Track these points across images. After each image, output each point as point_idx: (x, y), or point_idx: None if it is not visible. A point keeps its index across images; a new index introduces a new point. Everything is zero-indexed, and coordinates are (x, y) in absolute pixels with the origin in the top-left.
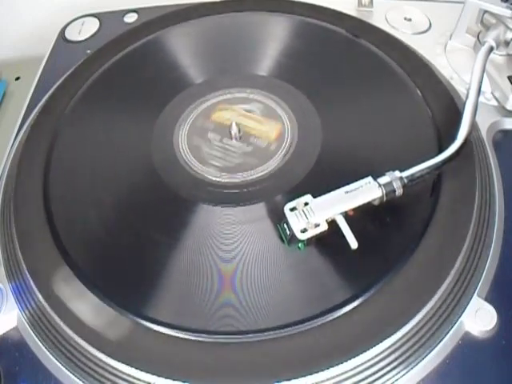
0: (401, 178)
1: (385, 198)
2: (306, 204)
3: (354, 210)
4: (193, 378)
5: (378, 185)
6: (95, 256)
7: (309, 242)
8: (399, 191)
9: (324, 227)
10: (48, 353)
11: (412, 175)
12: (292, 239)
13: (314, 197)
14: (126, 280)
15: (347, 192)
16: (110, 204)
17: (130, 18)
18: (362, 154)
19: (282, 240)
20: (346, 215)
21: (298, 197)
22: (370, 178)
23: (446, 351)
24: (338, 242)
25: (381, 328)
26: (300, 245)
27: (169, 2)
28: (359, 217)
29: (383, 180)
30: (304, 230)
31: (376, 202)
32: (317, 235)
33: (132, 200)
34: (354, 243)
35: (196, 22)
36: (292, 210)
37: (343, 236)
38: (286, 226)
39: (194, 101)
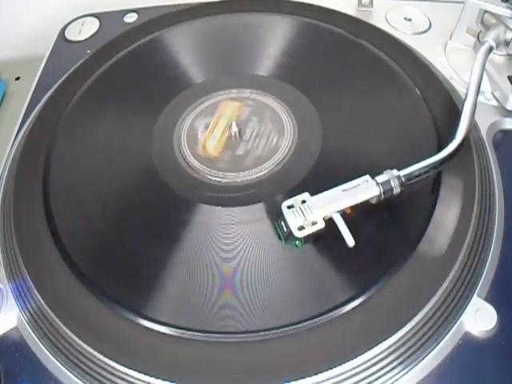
0: (398, 177)
1: (382, 197)
2: (304, 202)
3: (352, 208)
4: (193, 379)
5: (375, 183)
6: (95, 256)
7: (306, 239)
8: (397, 190)
9: (321, 225)
10: (48, 353)
11: (410, 174)
12: (289, 236)
13: (313, 195)
14: (126, 280)
15: (344, 190)
16: (110, 204)
17: (130, 18)
18: (362, 154)
19: (279, 237)
20: (343, 213)
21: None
22: (367, 177)
23: (446, 351)
24: (338, 243)
25: (381, 328)
26: (297, 242)
27: (169, 2)
28: (359, 216)
29: (381, 178)
30: (301, 228)
31: (374, 201)
32: (314, 233)
33: (132, 200)
34: (350, 241)
35: (196, 22)
36: (289, 207)
37: (341, 234)
38: (283, 223)
39: (194, 101)
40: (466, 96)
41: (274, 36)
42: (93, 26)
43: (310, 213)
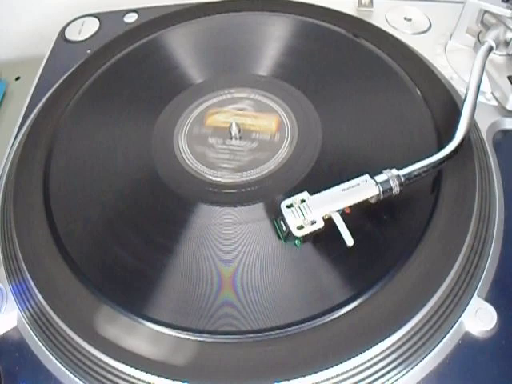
0: (398, 176)
1: (381, 196)
2: (303, 201)
3: (351, 207)
4: (192, 378)
5: (374, 183)
6: (95, 256)
7: (305, 238)
8: (396, 189)
9: (320, 224)
10: (48, 353)
11: (409, 173)
12: (288, 236)
13: (312, 195)
14: (126, 280)
15: (344, 189)
16: (110, 204)
17: (130, 18)
18: (362, 154)
19: (279, 237)
20: (342, 213)
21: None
22: (367, 176)
23: (446, 351)
24: (338, 243)
25: (380, 328)
26: (296, 242)
27: (169, 2)
28: (358, 216)
29: (380, 178)
30: (300, 227)
31: (373, 200)
32: (313, 232)
33: (132, 200)
34: (349, 240)
35: (196, 22)
36: (289, 206)
37: (340, 234)
38: (282, 222)
39: (193, 101)
40: (466, 96)
41: (274, 36)
42: (93, 25)
43: (309, 212)
